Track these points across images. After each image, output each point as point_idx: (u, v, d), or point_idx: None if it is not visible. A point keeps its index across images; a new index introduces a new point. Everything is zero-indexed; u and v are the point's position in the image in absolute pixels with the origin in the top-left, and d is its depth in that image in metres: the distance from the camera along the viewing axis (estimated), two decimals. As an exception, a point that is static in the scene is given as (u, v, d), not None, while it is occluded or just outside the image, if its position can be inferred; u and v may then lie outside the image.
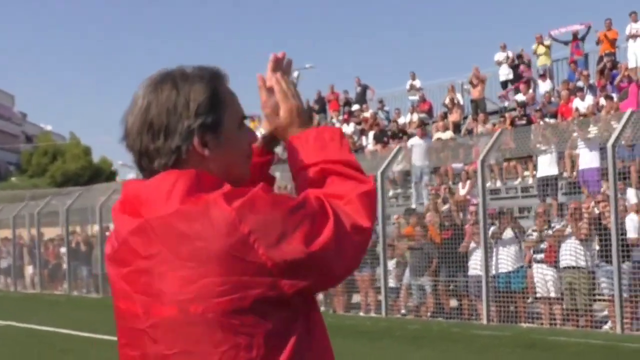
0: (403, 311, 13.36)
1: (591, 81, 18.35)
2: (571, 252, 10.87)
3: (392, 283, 13.38)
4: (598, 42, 19.09)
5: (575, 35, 19.71)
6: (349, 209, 1.56)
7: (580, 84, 18.31)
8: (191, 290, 1.46)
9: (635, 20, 18.27)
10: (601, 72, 18.32)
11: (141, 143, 1.59)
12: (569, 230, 10.98)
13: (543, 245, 11.33)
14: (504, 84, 21.00)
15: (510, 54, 20.86)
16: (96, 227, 21.20)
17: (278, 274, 1.46)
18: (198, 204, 1.48)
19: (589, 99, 17.26)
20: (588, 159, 14.58)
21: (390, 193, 18.74)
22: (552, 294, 11.21)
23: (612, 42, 18.88)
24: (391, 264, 13.47)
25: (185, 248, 1.47)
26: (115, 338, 1.65)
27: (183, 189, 1.51)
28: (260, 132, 1.90)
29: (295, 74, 2.54)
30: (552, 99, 18.31)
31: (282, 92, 1.75)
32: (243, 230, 1.45)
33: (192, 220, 1.47)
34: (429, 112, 22.90)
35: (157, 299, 1.50)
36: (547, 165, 15.17)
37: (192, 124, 1.57)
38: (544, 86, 19.48)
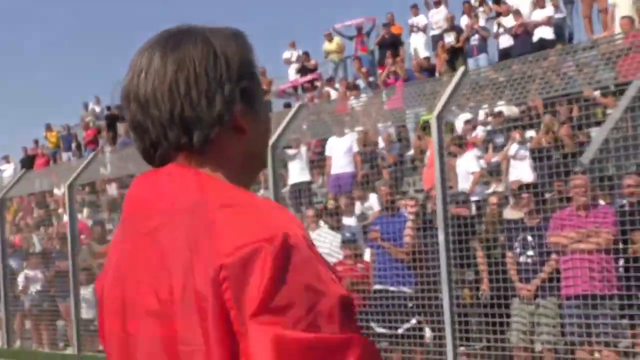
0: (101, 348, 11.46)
1: (371, 79, 16.96)
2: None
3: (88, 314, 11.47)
4: (382, 38, 17.70)
5: (359, 29, 18.33)
6: None
7: (360, 82, 16.96)
8: None
9: (416, 14, 17.01)
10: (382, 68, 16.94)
11: (173, 110, 1.29)
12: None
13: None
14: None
15: (300, 52, 19.33)
16: None
17: None
18: None
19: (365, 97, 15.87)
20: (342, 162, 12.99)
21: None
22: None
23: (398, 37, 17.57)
24: (87, 291, 11.55)
25: None
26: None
27: None
28: None
29: None
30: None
31: None
32: None
33: None
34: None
35: None
36: (298, 172, 13.59)
37: (234, 88, 1.32)
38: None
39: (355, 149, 11.95)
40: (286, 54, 19.60)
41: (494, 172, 11.11)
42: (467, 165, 10.69)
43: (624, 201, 6.62)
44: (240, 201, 1.24)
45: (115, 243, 1.39)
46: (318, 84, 18.06)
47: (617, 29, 10.92)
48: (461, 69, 7.36)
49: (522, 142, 10.27)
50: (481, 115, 12.80)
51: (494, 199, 7.88)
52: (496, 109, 11.93)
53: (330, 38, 18.83)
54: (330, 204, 8.66)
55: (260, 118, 1.37)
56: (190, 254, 1.20)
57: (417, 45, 16.87)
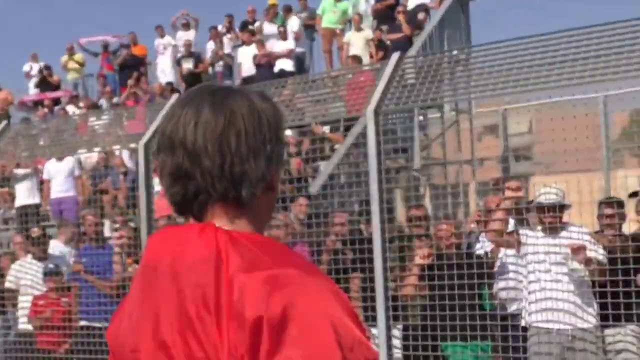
0: None
1: (115, 99, 16.23)
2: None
3: None
4: (124, 59, 16.97)
5: (106, 47, 17.53)
6: None
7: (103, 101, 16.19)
8: None
9: (162, 35, 16.60)
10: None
11: (223, 164, 1.35)
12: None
13: None
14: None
15: (41, 65, 18.10)
16: None
17: None
18: None
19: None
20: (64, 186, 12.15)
21: None
22: None
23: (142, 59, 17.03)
24: None
25: None
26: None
27: None
28: None
29: None
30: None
31: None
32: None
33: None
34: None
35: None
36: (26, 193, 12.56)
37: (273, 149, 1.41)
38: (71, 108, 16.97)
39: (77, 172, 11.29)
40: (26, 67, 18.28)
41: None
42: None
43: (332, 238, 6.64)
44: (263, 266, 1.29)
45: (132, 295, 1.42)
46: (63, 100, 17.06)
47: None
48: (174, 96, 7.08)
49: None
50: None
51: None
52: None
53: (71, 52, 17.84)
54: (34, 232, 7.93)
55: (279, 176, 1.45)
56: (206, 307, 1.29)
57: (165, 68, 16.45)
